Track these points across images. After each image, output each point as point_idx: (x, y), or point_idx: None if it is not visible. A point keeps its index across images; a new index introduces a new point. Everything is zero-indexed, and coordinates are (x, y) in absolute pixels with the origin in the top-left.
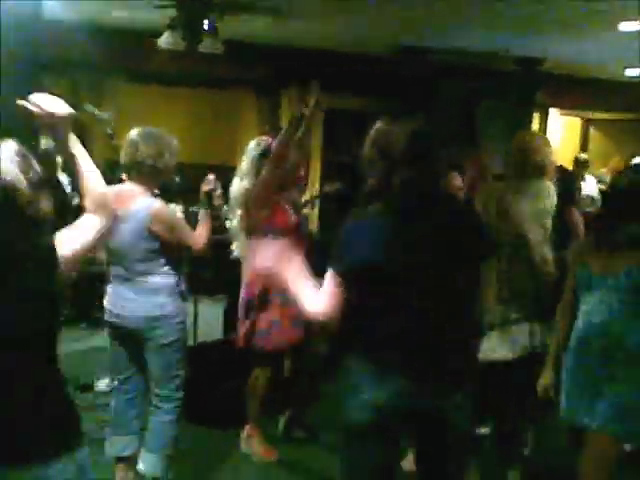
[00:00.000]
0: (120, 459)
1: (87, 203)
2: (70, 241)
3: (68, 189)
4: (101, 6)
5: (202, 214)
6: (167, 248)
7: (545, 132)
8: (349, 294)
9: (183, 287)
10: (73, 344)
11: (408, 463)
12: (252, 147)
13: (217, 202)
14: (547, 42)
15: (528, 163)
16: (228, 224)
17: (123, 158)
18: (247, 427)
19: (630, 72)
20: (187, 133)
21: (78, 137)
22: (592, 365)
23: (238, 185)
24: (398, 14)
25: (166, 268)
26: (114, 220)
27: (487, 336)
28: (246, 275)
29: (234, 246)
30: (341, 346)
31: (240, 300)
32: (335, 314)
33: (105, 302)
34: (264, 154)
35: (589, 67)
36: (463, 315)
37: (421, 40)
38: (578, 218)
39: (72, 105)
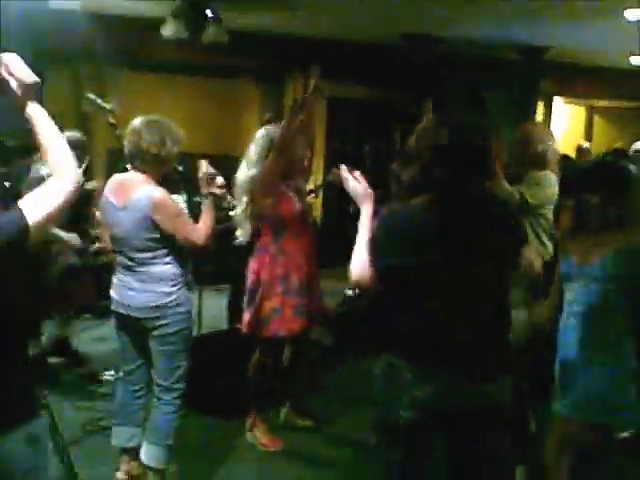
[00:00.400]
0: (125, 450)
1: (51, 168)
2: (37, 207)
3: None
4: None
5: (205, 205)
6: (169, 237)
7: (549, 121)
8: (389, 289)
9: (189, 277)
10: (79, 334)
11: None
12: (260, 136)
13: (218, 191)
14: (551, 30)
15: (529, 154)
16: (232, 212)
17: (126, 147)
18: (250, 416)
19: (635, 60)
20: (190, 122)
21: (81, 126)
22: (570, 354)
23: (245, 173)
24: (402, 2)
25: (169, 257)
26: (99, 196)
27: None
28: (251, 263)
29: (239, 233)
30: (382, 343)
31: (246, 287)
32: (369, 286)
33: (111, 292)
34: (271, 142)
35: (594, 55)
36: (501, 308)
37: (424, 29)
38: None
39: (75, 95)
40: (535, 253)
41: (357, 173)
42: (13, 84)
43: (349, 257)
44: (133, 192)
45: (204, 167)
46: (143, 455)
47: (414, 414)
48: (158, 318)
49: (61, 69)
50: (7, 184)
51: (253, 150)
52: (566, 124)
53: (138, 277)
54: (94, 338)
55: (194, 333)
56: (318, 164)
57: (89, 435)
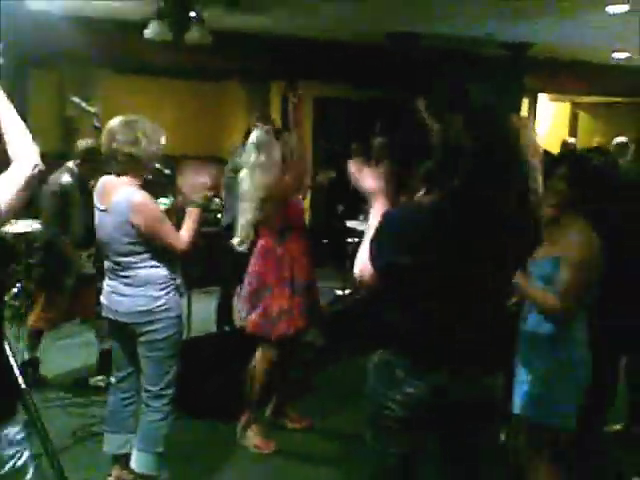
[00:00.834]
0: (116, 457)
1: (11, 153)
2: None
3: None
4: None
5: (189, 211)
6: (151, 241)
7: (534, 117)
8: (389, 287)
9: (178, 280)
10: (66, 339)
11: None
12: (260, 141)
13: (201, 196)
14: (534, 26)
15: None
16: (223, 218)
17: (102, 149)
18: (243, 417)
19: (617, 55)
20: (175, 124)
21: (66, 130)
22: (519, 353)
23: (249, 181)
24: (384, 1)
25: (155, 261)
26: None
27: None
28: (255, 265)
29: (238, 240)
30: (379, 340)
31: (245, 289)
32: (371, 285)
33: (101, 297)
34: (268, 146)
35: (577, 51)
36: (499, 308)
37: (408, 26)
38: None
39: (59, 98)
40: None
41: (368, 167)
42: None
43: (337, 257)
44: (114, 195)
45: (203, 174)
46: (133, 463)
47: (406, 411)
48: (146, 323)
49: (45, 72)
50: None
51: (253, 156)
52: (551, 120)
53: (124, 282)
54: (80, 342)
55: (183, 336)
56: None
57: (80, 441)
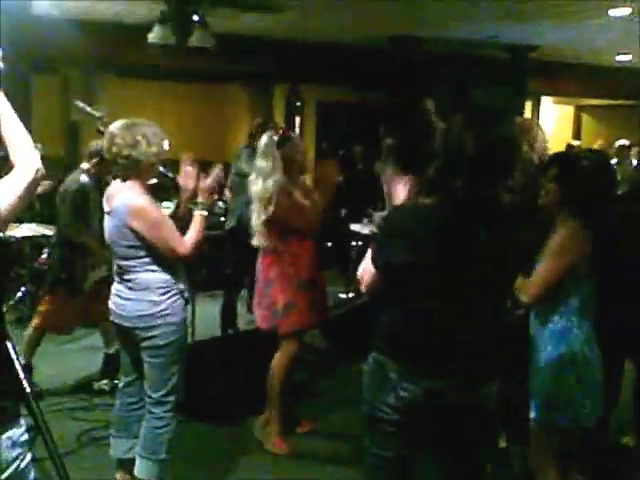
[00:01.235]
0: (121, 461)
1: (13, 158)
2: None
3: None
4: (90, 1)
5: (195, 217)
6: (151, 245)
7: (538, 120)
8: (388, 287)
9: (182, 285)
10: (70, 343)
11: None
12: (269, 144)
13: (208, 199)
14: (537, 29)
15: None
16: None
17: (105, 153)
18: (264, 415)
19: (621, 58)
20: (179, 127)
21: (69, 134)
22: (530, 359)
23: (260, 185)
24: (387, 5)
25: (155, 265)
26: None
27: None
28: (259, 264)
29: (257, 240)
30: (372, 341)
31: (255, 292)
32: (372, 285)
33: (109, 302)
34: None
35: (580, 54)
36: (498, 310)
37: (411, 30)
38: None
39: (63, 102)
40: None
41: (398, 176)
42: None
43: (341, 261)
44: (116, 198)
45: (214, 173)
46: (136, 469)
47: (400, 415)
48: (148, 328)
49: (49, 76)
50: None
51: (263, 162)
52: (554, 123)
53: (127, 285)
54: (82, 347)
55: (187, 340)
56: (309, 167)
57: (84, 445)
